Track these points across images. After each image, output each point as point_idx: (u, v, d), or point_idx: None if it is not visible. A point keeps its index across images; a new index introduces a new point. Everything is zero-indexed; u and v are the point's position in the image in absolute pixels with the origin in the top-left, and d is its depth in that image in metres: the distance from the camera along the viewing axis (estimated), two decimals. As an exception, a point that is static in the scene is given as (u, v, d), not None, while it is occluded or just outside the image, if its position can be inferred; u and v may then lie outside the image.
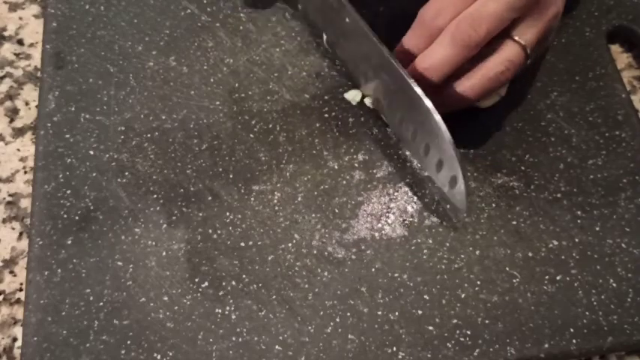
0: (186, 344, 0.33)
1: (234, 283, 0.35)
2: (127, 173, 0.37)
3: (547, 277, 0.36)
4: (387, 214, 0.37)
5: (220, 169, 0.38)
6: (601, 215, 0.37)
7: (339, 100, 0.40)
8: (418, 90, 0.34)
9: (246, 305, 0.34)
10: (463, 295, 0.35)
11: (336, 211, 0.37)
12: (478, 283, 0.35)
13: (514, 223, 0.37)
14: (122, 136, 0.38)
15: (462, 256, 0.36)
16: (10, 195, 0.39)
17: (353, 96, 0.40)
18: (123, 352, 0.33)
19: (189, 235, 0.36)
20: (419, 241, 0.36)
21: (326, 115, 0.40)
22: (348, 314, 0.34)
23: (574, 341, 0.34)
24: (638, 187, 0.38)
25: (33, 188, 0.37)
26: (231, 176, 0.38)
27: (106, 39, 0.41)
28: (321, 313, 0.34)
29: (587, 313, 0.35)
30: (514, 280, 0.35)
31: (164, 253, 0.35)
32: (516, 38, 0.34)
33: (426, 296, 0.35)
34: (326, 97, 0.40)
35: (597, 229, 0.37)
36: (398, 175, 0.38)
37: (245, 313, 0.34)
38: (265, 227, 0.36)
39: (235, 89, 0.40)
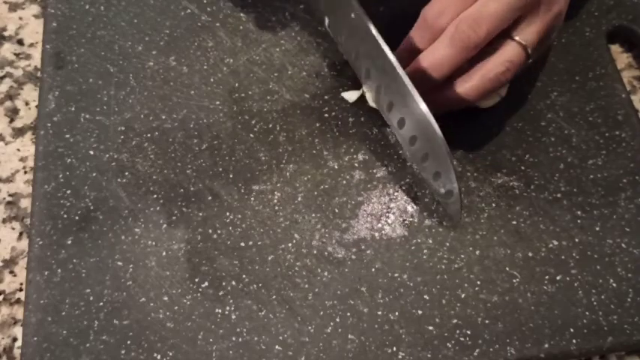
0: (186, 344, 0.33)
1: (234, 283, 0.35)
2: (127, 173, 0.37)
3: (547, 277, 0.36)
4: (387, 214, 0.37)
5: (220, 169, 0.38)
6: (601, 215, 0.37)
7: (338, 100, 0.40)
8: (417, 97, 0.33)
9: (246, 305, 0.34)
10: (463, 295, 0.35)
11: (336, 211, 0.37)
12: (478, 283, 0.35)
13: (514, 223, 0.37)
14: (122, 136, 0.38)
15: (462, 256, 0.36)
16: (10, 195, 0.39)
17: (351, 95, 0.40)
18: (123, 352, 0.33)
19: (189, 235, 0.36)
20: (419, 241, 0.36)
21: (326, 115, 0.40)
22: (348, 314, 0.34)
23: (574, 341, 0.34)
24: (638, 187, 0.38)
25: (33, 188, 0.37)
26: (231, 176, 0.38)
27: (106, 39, 0.41)
28: (321, 313, 0.34)
29: (587, 313, 0.35)
30: (514, 280, 0.35)
31: (164, 253, 0.35)
32: (517, 38, 0.34)
33: (426, 296, 0.35)
34: (326, 97, 0.40)
35: (597, 229, 0.37)
36: (398, 175, 0.38)
37: (245, 313, 0.34)
38: (265, 227, 0.36)
39: (235, 89, 0.40)
